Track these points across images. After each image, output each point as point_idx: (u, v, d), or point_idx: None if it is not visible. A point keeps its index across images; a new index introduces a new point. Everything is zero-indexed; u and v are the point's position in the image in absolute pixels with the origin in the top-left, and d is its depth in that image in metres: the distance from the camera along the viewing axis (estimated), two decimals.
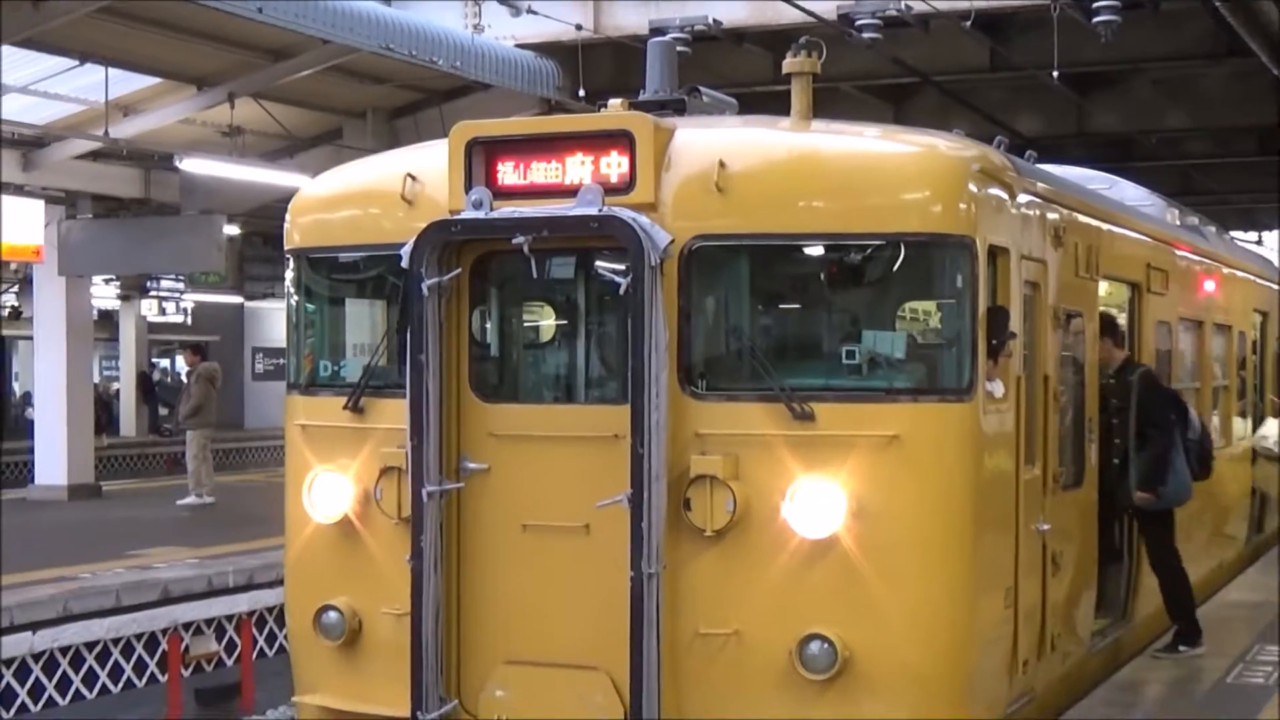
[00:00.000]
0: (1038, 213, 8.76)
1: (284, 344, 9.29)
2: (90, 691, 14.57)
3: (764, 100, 11.00)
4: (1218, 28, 20.51)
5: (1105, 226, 10.33)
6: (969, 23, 19.57)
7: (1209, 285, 13.63)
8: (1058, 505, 8.99)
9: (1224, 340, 14.47)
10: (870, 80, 23.65)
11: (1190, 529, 13.09)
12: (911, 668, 7.43)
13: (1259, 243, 38.12)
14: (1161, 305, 11.68)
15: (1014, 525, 8.21)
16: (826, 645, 7.36)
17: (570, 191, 7.73)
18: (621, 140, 7.72)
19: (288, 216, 8.88)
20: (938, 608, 7.52)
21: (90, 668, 14.59)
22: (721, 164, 7.60)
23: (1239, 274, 15.58)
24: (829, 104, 10.21)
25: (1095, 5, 18.68)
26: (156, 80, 22.12)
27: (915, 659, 7.44)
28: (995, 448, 7.92)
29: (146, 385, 41.12)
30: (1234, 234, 26.19)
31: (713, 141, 7.85)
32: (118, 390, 41.42)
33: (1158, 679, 10.13)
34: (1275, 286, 18.31)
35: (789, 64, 8.41)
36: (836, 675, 7.37)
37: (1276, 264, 21.47)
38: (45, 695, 14.12)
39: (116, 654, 14.85)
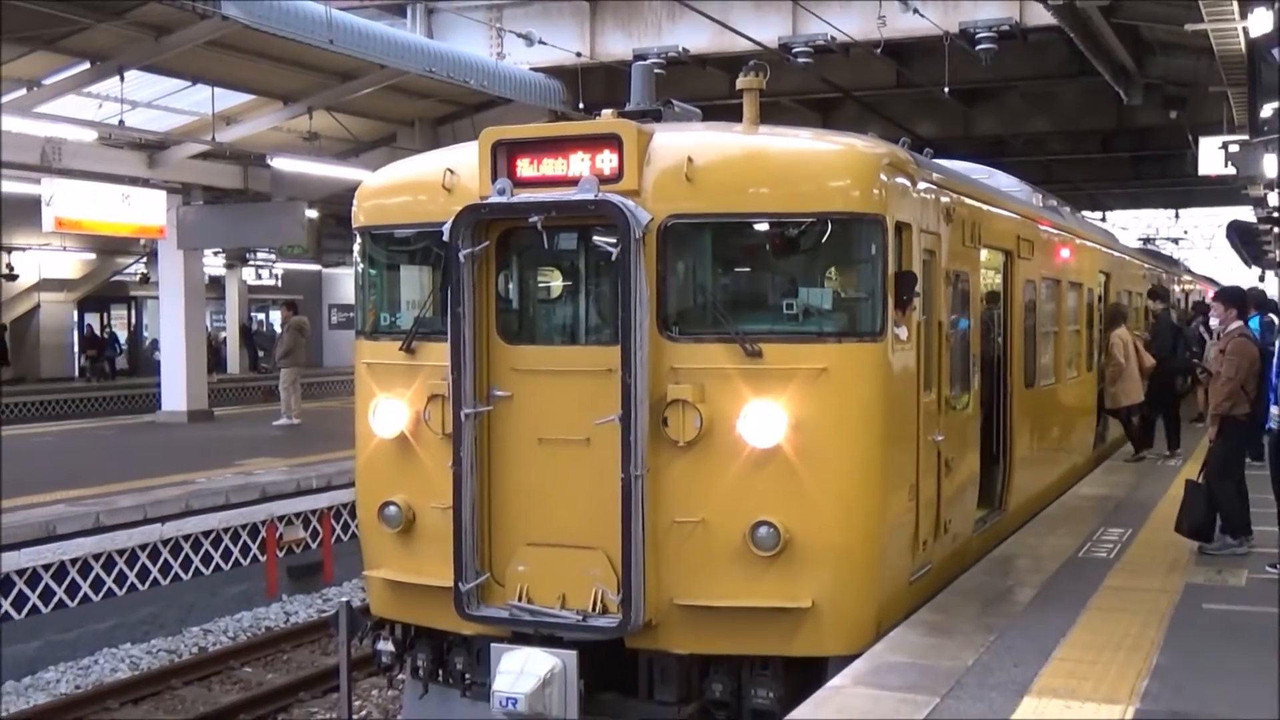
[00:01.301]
0: (933, 196, 8.70)
1: (353, 301, 9.22)
2: (206, 569, 14.62)
3: (722, 111, 10.89)
4: (1072, 54, 20.49)
5: (985, 207, 10.27)
6: (880, 50, 19.54)
7: (1064, 252, 13.59)
8: (949, 422, 8.98)
9: (1076, 294, 14.45)
10: (804, 95, 23.60)
11: (1048, 439, 13.14)
12: (837, 546, 7.44)
13: (1103, 220, 38.08)
14: (1028, 268, 11.63)
15: (915, 437, 8.19)
16: (772, 529, 7.37)
17: (573, 181, 7.66)
18: (612, 141, 7.64)
19: (355, 202, 8.79)
20: (857, 500, 7.52)
21: (206, 551, 14.62)
22: (690, 160, 7.54)
23: (1088, 244, 15.54)
24: (772, 114, 10.14)
25: (977, 36, 18.66)
26: (251, 97, 21.97)
27: (840, 539, 7.45)
28: (901, 377, 7.90)
29: (246, 334, 41.04)
30: (1084, 213, 26.15)
31: (683, 142, 7.77)
32: (224, 338, 41.30)
33: (1025, 554, 10.16)
34: (1115, 253, 18.30)
35: (741, 82, 8.33)
36: (780, 553, 7.38)
37: (1117, 237, 21.45)
38: (172, 573, 14.17)
39: (226, 540, 14.88)
